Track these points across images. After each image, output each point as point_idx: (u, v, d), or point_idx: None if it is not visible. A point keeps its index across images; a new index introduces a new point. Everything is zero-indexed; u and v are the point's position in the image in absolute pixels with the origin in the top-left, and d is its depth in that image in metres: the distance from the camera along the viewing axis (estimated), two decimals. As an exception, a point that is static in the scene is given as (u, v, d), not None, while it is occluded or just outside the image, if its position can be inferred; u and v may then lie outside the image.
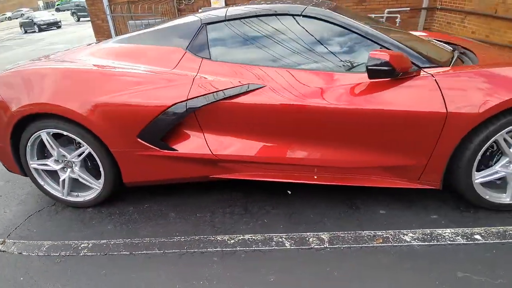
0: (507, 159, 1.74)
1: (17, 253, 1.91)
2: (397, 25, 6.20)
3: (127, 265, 1.73)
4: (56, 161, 2.14)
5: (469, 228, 1.77)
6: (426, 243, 1.70)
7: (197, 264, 1.70)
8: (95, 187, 2.14)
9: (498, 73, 1.63)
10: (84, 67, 2.00)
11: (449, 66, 1.78)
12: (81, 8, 21.47)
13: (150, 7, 6.74)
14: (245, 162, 1.93)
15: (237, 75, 1.85)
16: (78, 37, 13.45)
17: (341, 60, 1.82)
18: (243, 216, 2.02)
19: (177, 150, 1.92)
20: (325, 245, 1.74)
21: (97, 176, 2.12)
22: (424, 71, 1.69)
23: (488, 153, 1.78)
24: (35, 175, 2.21)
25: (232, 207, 2.11)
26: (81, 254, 1.83)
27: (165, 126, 1.86)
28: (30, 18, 19.94)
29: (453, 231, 1.76)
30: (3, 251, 1.93)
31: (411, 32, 2.78)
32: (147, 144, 1.90)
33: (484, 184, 1.81)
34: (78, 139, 1.98)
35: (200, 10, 2.66)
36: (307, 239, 1.80)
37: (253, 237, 1.84)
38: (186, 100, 1.81)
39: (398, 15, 6.21)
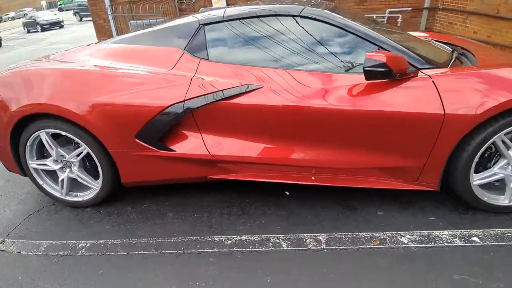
0: (506, 160, 1.73)
1: (16, 253, 1.92)
2: (399, 25, 6.19)
3: (124, 265, 1.73)
4: (55, 161, 2.15)
5: (467, 230, 1.77)
6: (423, 245, 1.69)
7: (193, 264, 1.70)
8: (94, 187, 2.15)
9: (496, 74, 1.63)
10: (82, 67, 2.00)
11: (447, 67, 1.78)
12: (83, 8, 21.55)
13: (151, 7, 6.75)
14: (243, 163, 1.93)
15: (235, 76, 1.85)
16: (80, 37, 13.50)
17: (339, 61, 1.81)
18: (241, 217, 2.02)
19: (175, 151, 1.93)
20: (322, 246, 1.74)
21: (95, 176, 2.13)
22: (422, 72, 1.68)
23: (486, 155, 1.77)
24: (35, 175, 2.22)
25: (230, 208, 2.12)
26: (79, 254, 1.84)
27: (162, 126, 1.87)
28: (33, 18, 20.06)
29: (450, 233, 1.76)
30: (3, 250, 1.95)
31: (411, 32, 2.78)
32: (145, 145, 1.91)
33: (482, 186, 1.80)
34: (77, 139, 1.98)
35: (200, 10, 2.66)
36: (304, 240, 1.79)
37: (250, 238, 1.84)
38: (184, 100, 1.82)
39: (400, 15, 6.20)
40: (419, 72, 1.68)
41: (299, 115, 1.76)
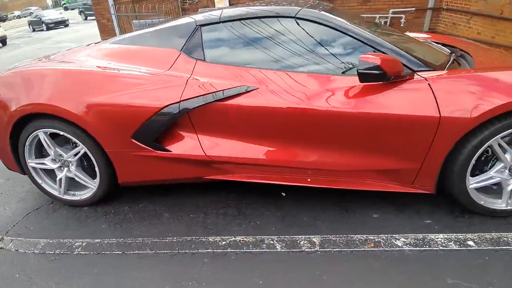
0: (502, 164, 1.71)
1: (14, 250, 1.94)
2: (402, 25, 6.15)
3: (119, 265, 1.75)
4: (53, 160, 2.17)
5: (463, 234, 1.75)
6: (418, 248, 1.68)
7: (187, 265, 1.71)
8: (91, 186, 2.17)
9: (493, 77, 1.61)
10: (80, 68, 2.02)
11: (444, 69, 1.76)
12: (88, 7, 21.65)
13: (154, 7, 6.77)
14: (238, 164, 1.93)
15: (231, 77, 1.85)
16: (85, 36, 13.58)
17: (335, 63, 1.80)
18: (236, 218, 2.03)
19: (171, 151, 1.94)
20: (316, 249, 1.74)
21: (93, 175, 2.15)
22: (418, 75, 1.67)
23: (483, 158, 1.75)
24: (33, 174, 2.24)
25: (226, 208, 2.12)
26: (75, 253, 1.86)
27: (158, 127, 1.88)
28: (38, 16, 20.22)
29: (446, 236, 1.75)
30: (1, 248, 1.97)
31: (411, 34, 2.77)
32: (141, 145, 1.92)
33: (479, 189, 1.78)
34: (74, 139, 2.00)
35: (198, 11, 2.67)
36: (298, 242, 1.79)
37: (245, 239, 1.84)
38: (179, 101, 1.82)
39: (403, 16, 6.15)
40: (415, 74, 1.67)
41: (294, 116, 1.76)
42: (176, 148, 1.94)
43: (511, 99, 1.52)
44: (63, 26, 19.66)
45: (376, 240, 1.76)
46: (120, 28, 7.30)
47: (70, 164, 2.15)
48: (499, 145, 1.65)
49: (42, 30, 19.34)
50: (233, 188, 2.29)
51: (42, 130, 2.03)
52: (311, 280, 1.57)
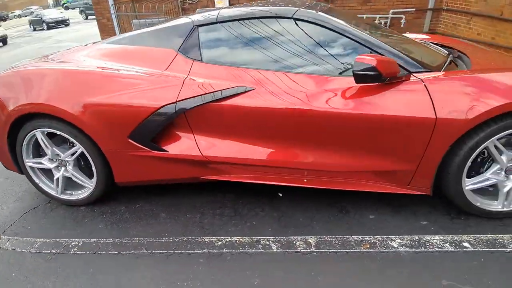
0: (498, 166, 1.71)
1: (11, 250, 1.95)
2: (402, 26, 6.14)
3: (114, 265, 1.75)
4: (51, 159, 2.17)
5: (458, 236, 1.75)
6: (413, 250, 1.68)
7: (183, 265, 1.71)
8: (88, 186, 2.17)
9: (490, 78, 1.61)
10: (77, 68, 2.02)
11: (440, 70, 1.76)
12: (89, 6, 21.68)
13: (154, 6, 6.78)
14: (235, 164, 1.94)
15: (227, 78, 1.86)
16: (86, 35, 13.60)
17: (332, 64, 1.80)
18: (232, 218, 2.03)
19: (168, 151, 1.94)
20: (311, 249, 1.74)
21: (90, 175, 2.15)
22: (414, 76, 1.67)
23: (479, 160, 1.75)
24: (31, 173, 2.24)
25: (222, 209, 2.12)
26: (71, 252, 1.86)
27: (155, 127, 1.88)
28: (39, 16, 20.25)
29: (441, 238, 1.74)
30: (-2, 247, 1.98)
31: (411, 34, 2.76)
32: (138, 145, 1.92)
33: (475, 191, 1.78)
34: (71, 139, 2.00)
35: (196, 11, 2.67)
36: (294, 242, 1.79)
37: (241, 240, 1.84)
38: (176, 102, 1.82)
39: (403, 16, 6.15)
40: (411, 75, 1.67)
41: (291, 117, 1.76)
42: (173, 148, 1.94)
43: (508, 101, 1.52)
44: (63, 26, 19.69)
45: (372, 241, 1.76)
46: (120, 27, 7.31)
47: (67, 164, 2.15)
48: (495, 146, 1.65)
49: (43, 29, 19.37)
50: (230, 188, 2.29)
51: (39, 129, 2.04)
52: (306, 280, 1.57)
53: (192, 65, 1.93)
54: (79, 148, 2.03)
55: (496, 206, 1.79)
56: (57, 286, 1.65)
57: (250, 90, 1.80)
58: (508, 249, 1.64)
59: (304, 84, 1.77)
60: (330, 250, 1.72)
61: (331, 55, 1.80)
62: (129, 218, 2.12)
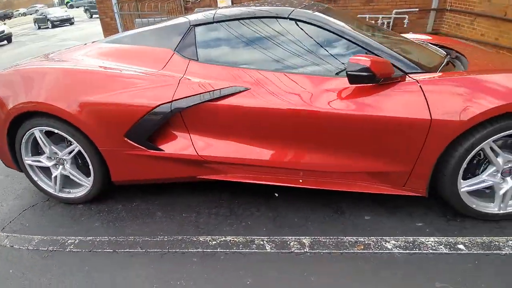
0: (494, 168, 1.69)
1: (9, 246, 1.97)
2: (405, 26, 6.10)
3: (109, 263, 1.76)
4: (49, 158, 2.19)
5: (454, 237, 1.74)
6: (408, 251, 1.68)
7: (177, 264, 1.72)
8: (85, 184, 2.19)
9: (486, 79, 1.59)
10: (75, 67, 2.04)
11: (437, 71, 1.75)
12: (93, 5, 21.77)
13: (156, 6, 6.80)
14: (230, 164, 1.94)
15: (224, 77, 1.86)
16: (90, 34, 13.68)
17: (328, 64, 1.80)
18: (228, 218, 2.03)
19: (164, 150, 1.95)
20: (305, 250, 1.74)
21: (87, 174, 2.17)
22: (410, 77, 1.66)
23: (475, 161, 1.74)
24: (30, 171, 2.27)
25: (218, 208, 2.13)
26: (67, 250, 1.88)
27: (151, 126, 1.89)
28: (44, 14, 20.40)
29: (436, 239, 1.73)
30: (-4, 244, 2.00)
31: (411, 35, 2.75)
32: (134, 144, 1.93)
33: (471, 193, 1.77)
34: (68, 137, 2.02)
35: (195, 11, 2.67)
36: (288, 243, 1.79)
37: (235, 239, 1.85)
38: (172, 101, 1.83)
39: (406, 16, 6.10)
40: (407, 76, 1.66)
41: (286, 117, 1.76)
42: (169, 148, 1.95)
43: (503, 102, 1.51)
44: (68, 24, 19.80)
45: (366, 242, 1.76)
46: (123, 26, 7.34)
47: (65, 162, 2.17)
48: (491, 148, 1.64)
49: (48, 27, 19.50)
50: (226, 188, 2.30)
51: (37, 128, 2.05)
52: (299, 281, 1.57)
53: (188, 64, 1.94)
54: (76, 146, 2.05)
55: (492, 208, 1.78)
56: (53, 283, 1.67)
57: (245, 90, 1.80)
58: (503, 252, 1.63)
59: (299, 84, 1.77)
60: (324, 251, 1.72)
61: (328, 55, 1.80)
62: (126, 216, 2.13)
